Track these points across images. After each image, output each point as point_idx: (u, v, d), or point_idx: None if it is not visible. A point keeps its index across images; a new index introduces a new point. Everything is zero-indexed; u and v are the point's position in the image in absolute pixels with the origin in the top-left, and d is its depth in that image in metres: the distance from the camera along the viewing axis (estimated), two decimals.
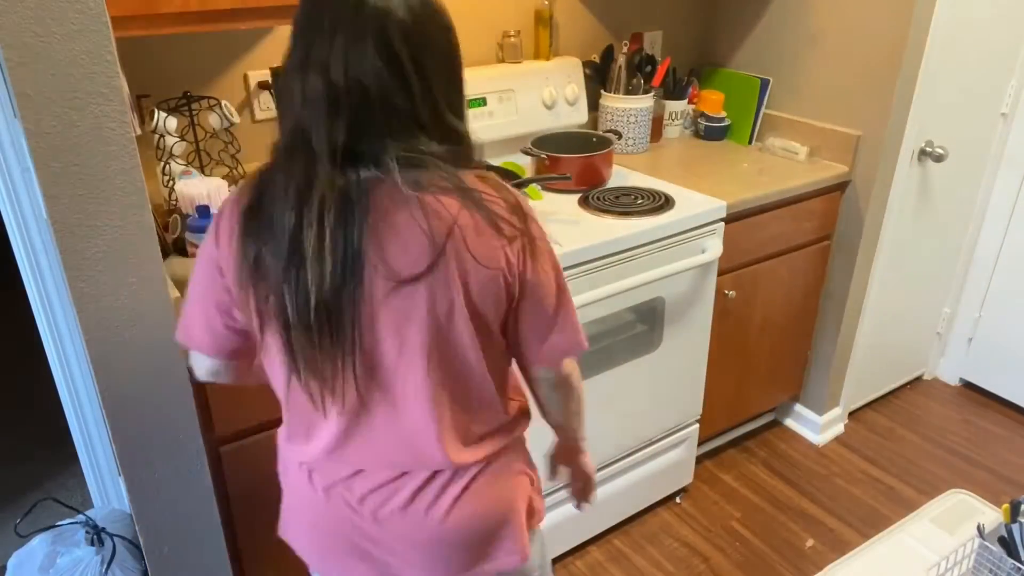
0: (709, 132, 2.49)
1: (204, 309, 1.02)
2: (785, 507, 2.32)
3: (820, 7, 2.23)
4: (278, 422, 1.48)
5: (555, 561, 2.09)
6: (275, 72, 1.64)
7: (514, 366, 1.11)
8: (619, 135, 2.26)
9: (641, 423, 2.07)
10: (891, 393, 2.88)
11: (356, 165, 0.90)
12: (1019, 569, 1.14)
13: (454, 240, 0.91)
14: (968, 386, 2.92)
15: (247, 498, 1.50)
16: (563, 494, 1.98)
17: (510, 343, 1.04)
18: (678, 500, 2.31)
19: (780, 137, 2.38)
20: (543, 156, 2.02)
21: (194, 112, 1.66)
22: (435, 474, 1.04)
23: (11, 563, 1.56)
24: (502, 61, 2.20)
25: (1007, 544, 1.18)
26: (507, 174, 1.95)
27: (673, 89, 2.45)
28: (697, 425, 2.24)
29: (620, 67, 2.27)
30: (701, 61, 2.61)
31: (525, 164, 2.11)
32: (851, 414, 2.74)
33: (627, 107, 2.28)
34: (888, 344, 2.69)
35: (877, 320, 2.54)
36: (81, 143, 1.06)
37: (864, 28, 2.13)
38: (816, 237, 2.30)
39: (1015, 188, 2.58)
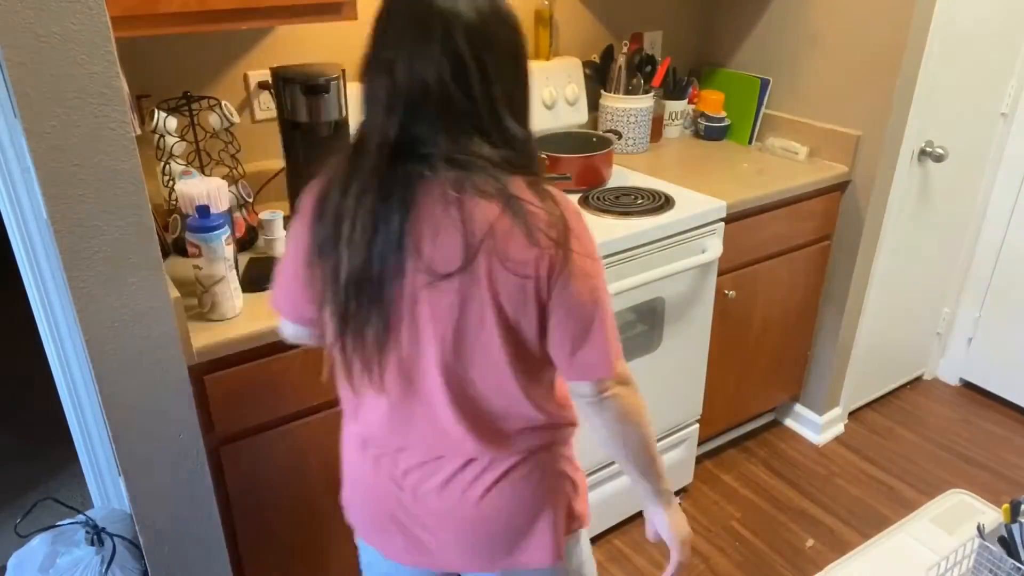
0: (709, 132, 2.49)
1: (287, 281, 1.09)
2: (785, 507, 2.32)
3: (820, 7, 2.23)
4: (278, 422, 1.49)
5: None
6: (275, 72, 1.64)
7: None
8: (619, 135, 2.26)
9: None
10: (891, 393, 2.88)
11: (407, 161, 0.94)
12: (1019, 569, 1.14)
13: (489, 244, 0.93)
14: (968, 386, 2.92)
15: (247, 498, 1.50)
16: None
17: (548, 351, 1.03)
18: (678, 500, 2.31)
19: (780, 137, 2.38)
20: (543, 156, 2.02)
21: (194, 112, 1.66)
22: (470, 461, 1.07)
23: (11, 563, 1.56)
24: None
25: (1007, 544, 1.18)
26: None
27: (673, 89, 2.46)
28: (697, 425, 2.25)
29: (620, 67, 2.27)
30: (701, 61, 2.61)
31: None
32: (851, 414, 2.74)
33: (627, 107, 2.28)
34: (888, 344, 2.69)
35: (877, 320, 2.54)
36: (81, 143, 1.06)
37: (864, 28, 2.14)
38: (816, 237, 2.30)
39: (1015, 188, 2.58)
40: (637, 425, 1.07)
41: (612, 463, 2.05)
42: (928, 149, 2.34)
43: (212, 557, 1.43)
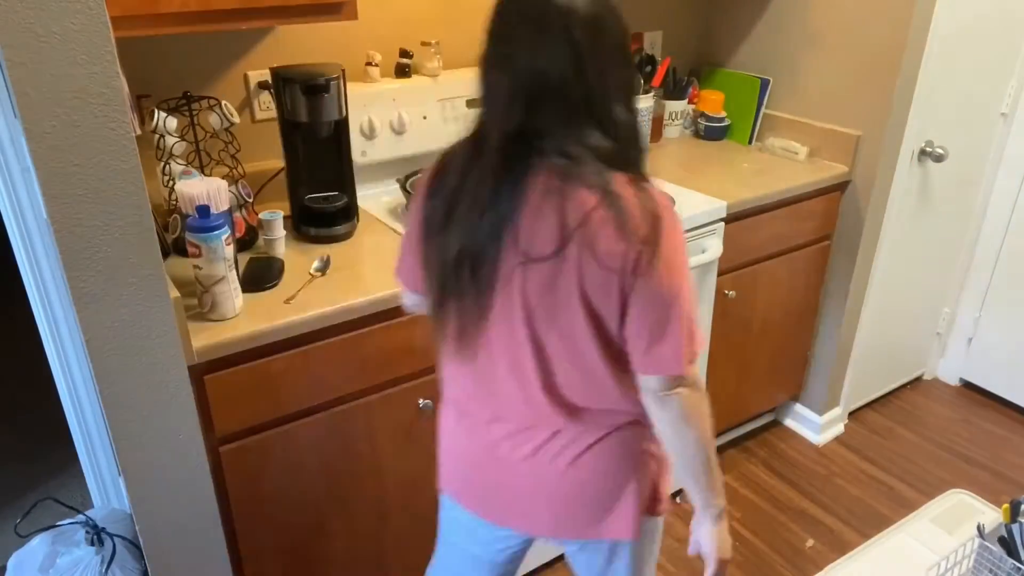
0: (709, 132, 2.49)
1: (405, 254, 1.18)
2: (785, 507, 2.32)
3: (820, 7, 2.23)
4: (278, 422, 1.49)
5: (556, 560, 2.09)
6: (275, 72, 1.64)
7: None
8: None
9: None
10: (891, 393, 2.88)
11: (523, 151, 0.99)
12: (1019, 569, 1.14)
13: (581, 233, 0.98)
14: (968, 386, 2.92)
15: (247, 498, 1.50)
16: None
17: (624, 343, 1.06)
18: (678, 500, 2.31)
19: (780, 137, 2.38)
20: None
21: (194, 112, 1.66)
22: (557, 433, 1.12)
23: (11, 563, 1.56)
24: None
25: (1007, 544, 1.18)
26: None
27: (673, 89, 2.46)
28: None
29: None
30: (701, 61, 2.61)
31: None
32: (851, 414, 2.74)
33: None
34: (888, 344, 2.69)
35: (877, 320, 2.54)
36: (81, 143, 1.06)
37: (864, 28, 2.14)
38: (816, 237, 2.30)
39: (1015, 188, 2.58)
40: (697, 429, 1.08)
41: None
42: (928, 149, 2.34)
43: (212, 557, 1.43)
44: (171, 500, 1.33)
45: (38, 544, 1.56)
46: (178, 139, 1.59)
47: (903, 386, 2.92)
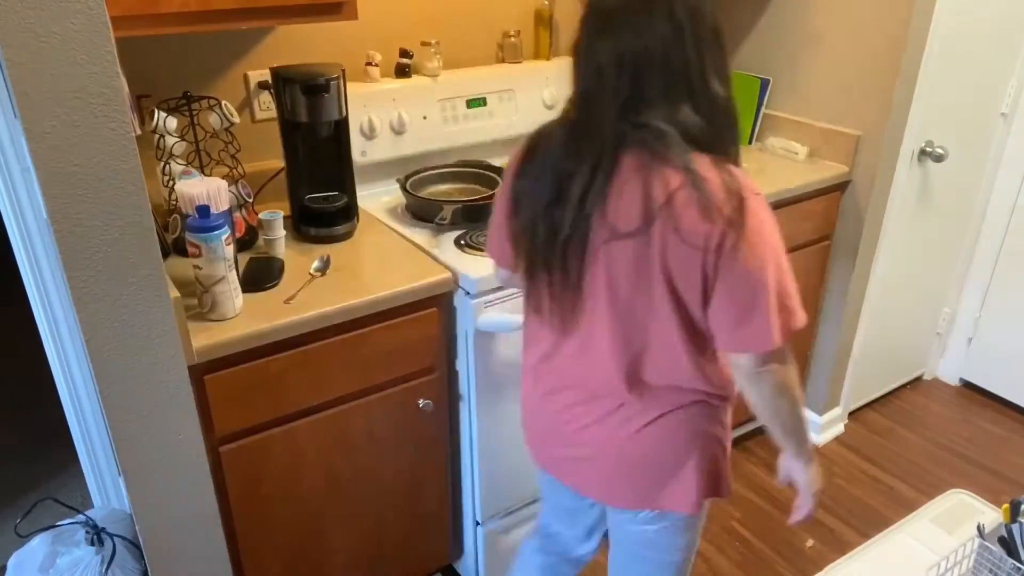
0: None
1: (496, 230, 1.25)
2: (785, 507, 2.32)
3: (820, 7, 2.23)
4: (278, 422, 1.49)
5: None
6: (275, 72, 1.64)
7: None
8: None
9: None
10: (891, 393, 2.88)
11: (621, 128, 1.03)
12: (1019, 569, 1.14)
13: (666, 212, 1.01)
14: (968, 386, 2.92)
15: (247, 498, 1.50)
16: None
17: (708, 321, 1.09)
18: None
19: (780, 137, 2.38)
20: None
21: (194, 112, 1.66)
22: (621, 405, 1.17)
23: (11, 563, 1.56)
24: (502, 61, 2.20)
25: (1007, 544, 1.18)
26: None
27: None
28: None
29: None
30: None
31: None
32: (851, 414, 2.74)
33: None
34: (888, 344, 2.69)
35: (877, 320, 2.54)
36: (81, 143, 1.06)
37: (864, 28, 2.14)
38: (816, 237, 2.30)
39: (1015, 188, 2.58)
40: (790, 400, 1.14)
41: None
42: (928, 149, 2.34)
43: (212, 557, 1.43)
44: (171, 500, 1.33)
45: (38, 544, 1.56)
46: (178, 139, 1.59)
47: (903, 386, 2.92)
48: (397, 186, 1.90)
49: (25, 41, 0.99)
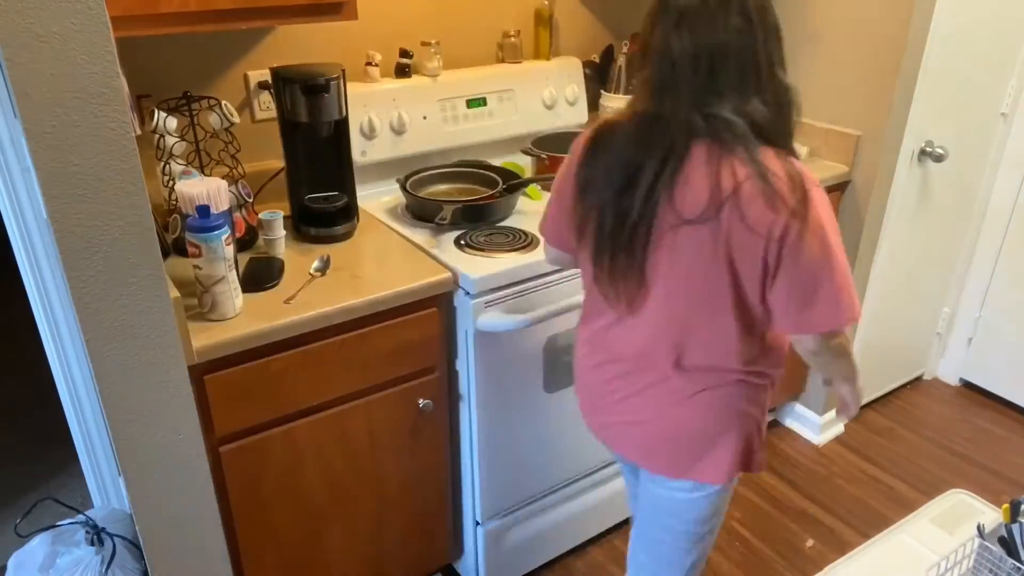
0: None
1: (554, 212, 1.33)
2: (785, 507, 2.32)
3: (820, 7, 2.23)
4: (278, 422, 1.49)
5: (555, 561, 2.10)
6: (275, 72, 1.64)
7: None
8: None
9: None
10: (891, 393, 2.88)
11: (692, 119, 1.10)
12: (1019, 569, 1.14)
13: (732, 201, 1.08)
14: (968, 386, 2.92)
15: (247, 498, 1.50)
16: (566, 504, 1.98)
17: (767, 306, 1.16)
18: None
19: None
20: (543, 156, 2.02)
21: (194, 112, 1.66)
22: (667, 378, 1.24)
23: (11, 563, 1.56)
24: (502, 61, 2.20)
25: (1007, 544, 1.18)
26: (508, 174, 1.95)
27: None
28: None
29: (620, 67, 2.27)
30: None
31: (525, 164, 2.11)
32: None
33: None
34: (888, 344, 2.69)
35: (877, 320, 2.54)
36: (81, 143, 1.06)
37: (864, 28, 2.14)
38: None
39: (1015, 188, 2.58)
40: (848, 360, 1.24)
41: (612, 463, 2.05)
42: (928, 149, 2.34)
43: (212, 557, 1.43)
44: (171, 500, 1.33)
45: (38, 544, 1.56)
46: (178, 139, 1.59)
47: (903, 386, 2.92)
48: (397, 186, 1.90)
49: (25, 41, 0.99)
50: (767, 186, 1.07)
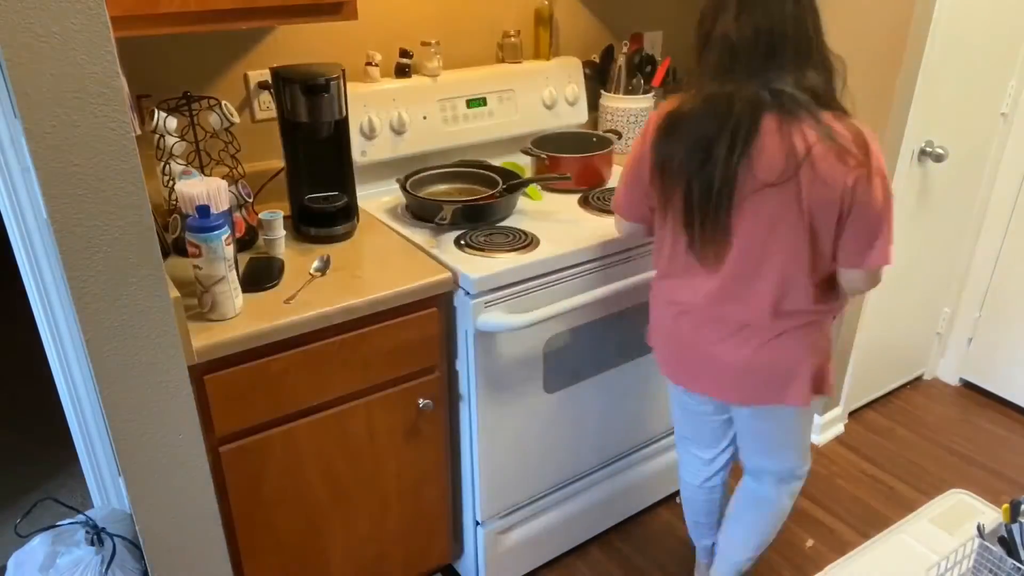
0: None
1: (628, 188, 1.52)
2: None
3: (820, 7, 2.22)
4: (278, 422, 1.49)
5: (555, 561, 2.10)
6: (275, 72, 1.64)
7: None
8: (619, 135, 2.26)
9: (641, 423, 2.07)
10: (891, 393, 2.88)
11: (759, 94, 1.28)
12: (1019, 569, 1.14)
13: (807, 163, 1.27)
14: (968, 386, 2.92)
15: (247, 498, 1.50)
16: (566, 504, 1.98)
17: (835, 249, 1.36)
18: (678, 500, 2.31)
19: None
20: (543, 156, 2.02)
21: (194, 112, 1.66)
22: (747, 325, 1.44)
23: (11, 563, 1.56)
24: (502, 61, 2.20)
25: (1007, 544, 1.18)
26: (508, 174, 1.95)
27: (673, 89, 2.45)
28: None
29: (620, 67, 2.27)
30: None
31: (525, 164, 2.11)
32: (851, 414, 2.74)
33: (627, 107, 2.28)
34: (888, 344, 2.69)
35: (877, 320, 2.54)
36: (81, 143, 1.06)
37: (864, 28, 2.13)
38: None
39: (1015, 188, 2.58)
40: (878, 283, 1.45)
41: (613, 462, 2.05)
42: (928, 149, 2.34)
43: (212, 557, 1.43)
44: (171, 500, 1.33)
45: (38, 544, 1.56)
46: (178, 139, 1.59)
47: (903, 386, 2.92)
48: (397, 186, 1.90)
49: (25, 41, 0.99)
50: (835, 144, 1.25)
